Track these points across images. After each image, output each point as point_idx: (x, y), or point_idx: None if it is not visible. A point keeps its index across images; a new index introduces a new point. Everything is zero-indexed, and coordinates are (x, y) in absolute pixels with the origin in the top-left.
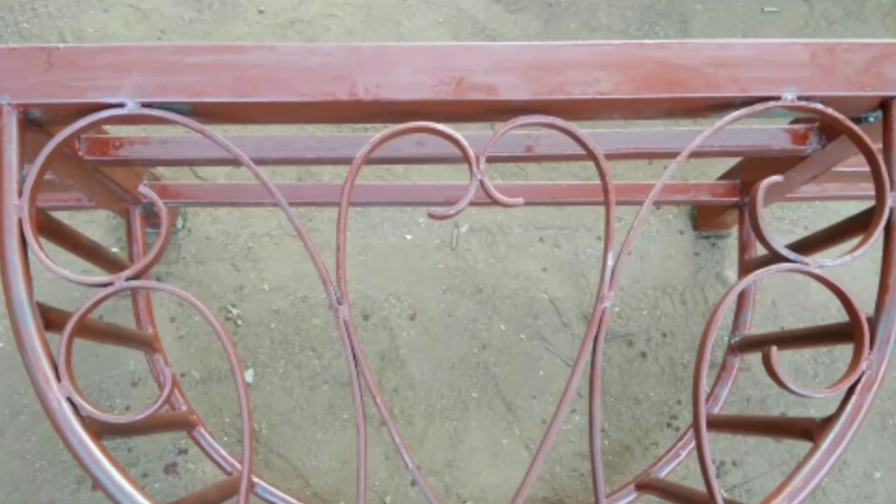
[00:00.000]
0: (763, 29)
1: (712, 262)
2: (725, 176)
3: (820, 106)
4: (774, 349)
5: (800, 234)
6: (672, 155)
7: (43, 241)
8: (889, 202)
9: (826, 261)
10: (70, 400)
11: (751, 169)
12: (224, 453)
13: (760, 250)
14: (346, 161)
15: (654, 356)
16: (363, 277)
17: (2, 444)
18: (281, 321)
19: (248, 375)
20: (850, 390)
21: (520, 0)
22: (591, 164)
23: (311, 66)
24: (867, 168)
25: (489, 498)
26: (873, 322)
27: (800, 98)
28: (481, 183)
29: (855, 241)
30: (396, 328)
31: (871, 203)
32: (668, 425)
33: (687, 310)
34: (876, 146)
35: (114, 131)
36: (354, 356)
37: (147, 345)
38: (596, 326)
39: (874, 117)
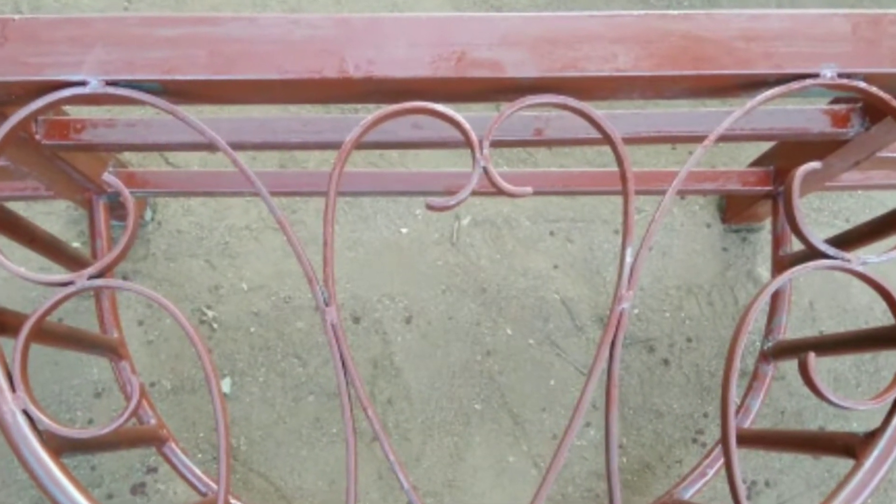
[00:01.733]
0: None
1: (743, 258)
2: (757, 162)
3: (863, 84)
4: (812, 356)
5: (840, 227)
6: (698, 139)
7: None
8: None
9: (870, 257)
10: (26, 412)
11: (786, 154)
12: (198, 472)
13: (797, 245)
14: (335, 146)
15: (678, 363)
16: (353, 276)
17: None
18: (261, 324)
19: (225, 385)
20: None
21: None
22: (607, 149)
23: (294, 40)
24: None
25: None
26: None
27: (840, 75)
28: (485, 170)
29: None
30: (390, 332)
31: None
32: (694, 441)
33: (714, 312)
34: None
35: (75, 112)
36: (343, 363)
37: (112, 351)
38: (613, 330)
39: None
